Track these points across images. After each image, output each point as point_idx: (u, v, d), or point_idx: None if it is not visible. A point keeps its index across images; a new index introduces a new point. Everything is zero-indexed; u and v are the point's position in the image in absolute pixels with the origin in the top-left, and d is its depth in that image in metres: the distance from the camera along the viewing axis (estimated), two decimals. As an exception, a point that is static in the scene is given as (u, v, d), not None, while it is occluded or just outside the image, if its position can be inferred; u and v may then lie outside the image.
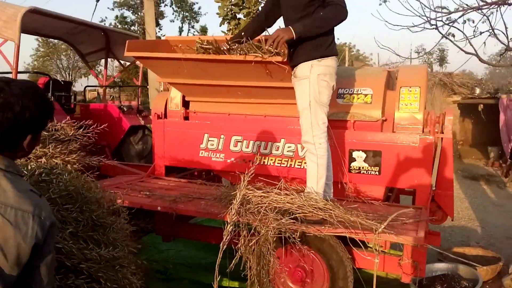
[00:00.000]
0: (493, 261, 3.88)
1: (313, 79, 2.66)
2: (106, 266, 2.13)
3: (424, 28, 4.54)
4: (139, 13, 23.46)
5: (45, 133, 2.33)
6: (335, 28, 2.72)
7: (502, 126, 9.34)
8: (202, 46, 2.91)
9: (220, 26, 7.41)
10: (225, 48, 2.87)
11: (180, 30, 27.45)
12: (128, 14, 25.09)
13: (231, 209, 2.60)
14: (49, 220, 1.28)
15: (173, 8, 26.72)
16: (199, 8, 28.41)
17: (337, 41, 2.98)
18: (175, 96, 3.86)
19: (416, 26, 4.56)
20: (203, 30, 26.43)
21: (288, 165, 3.39)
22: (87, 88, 8.86)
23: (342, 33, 45.12)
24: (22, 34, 4.81)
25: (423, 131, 3.10)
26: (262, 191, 2.70)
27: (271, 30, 2.96)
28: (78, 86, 23.09)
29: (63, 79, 15.30)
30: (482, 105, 10.05)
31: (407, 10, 4.52)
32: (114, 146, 6.20)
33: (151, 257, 3.81)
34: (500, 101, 9.48)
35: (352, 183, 3.22)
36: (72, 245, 1.99)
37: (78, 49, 7.25)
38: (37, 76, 13.10)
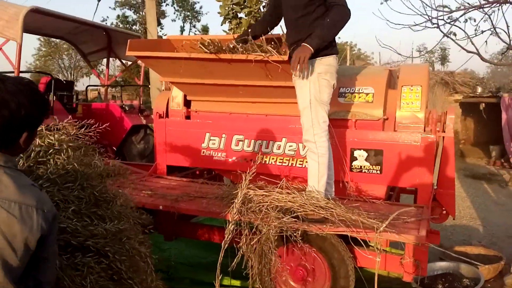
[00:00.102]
0: (495, 260, 3.88)
1: (313, 78, 2.67)
2: (113, 239, 2.12)
3: (426, 27, 4.53)
4: (141, 13, 23.48)
5: (48, 132, 2.32)
6: None
7: (504, 125, 9.33)
8: (204, 45, 2.92)
9: (221, 25, 7.40)
10: (230, 46, 2.88)
11: (182, 29, 27.49)
12: (129, 13, 25.13)
13: (233, 208, 2.60)
14: (51, 213, 1.30)
15: (174, 7, 26.76)
16: (201, 8, 28.42)
17: (338, 40, 2.99)
18: (177, 95, 3.86)
19: (417, 25, 4.55)
20: (205, 30, 26.42)
21: (290, 164, 3.39)
22: (89, 87, 8.87)
23: (343, 33, 45.02)
24: (24, 34, 4.82)
25: (424, 130, 3.10)
26: (263, 190, 2.71)
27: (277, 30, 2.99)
28: (80, 86, 23.14)
29: (65, 79, 15.30)
30: (483, 104, 10.03)
31: (408, 9, 4.52)
32: (116, 145, 6.21)
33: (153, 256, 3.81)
34: (502, 100, 9.46)
35: (354, 182, 3.22)
36: (77, 223, 1.98)
37: (80, 48, 7.26)
38: (39, 75, 13.10)
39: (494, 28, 4.39)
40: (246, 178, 2.67)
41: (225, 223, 2.63)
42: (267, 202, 2.61)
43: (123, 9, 24.97)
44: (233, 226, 2.56)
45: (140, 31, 21.03)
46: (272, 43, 2.95)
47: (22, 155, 2.08)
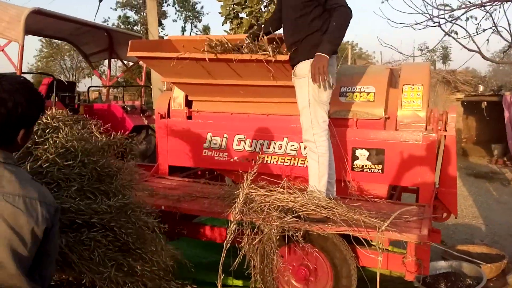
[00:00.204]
0: (497, 258, 3.87)
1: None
2: (118, 213, 2.13)
3: (427, 25, 4.52)
4: (142, 13, 23.49)
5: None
6: None
7: (507, 123, 9.29)
8: (211, 46, 2.93)
9: (222, 25, 7.40)
10: (236, 47, 2.89)
11: (183, 29, 27.49)
12: (131, 14, 25.14)
13: (235, 208, 2.61)
14: (53, 206, 1.33)
15: (175, 7, 26.76)
16: (202, 8, 28.36)
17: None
18: (178, 95, 3.87)
19: (418, 23, 4.54)
20: (206, 30, 26.44)
21: (291, 164, 3.39)
22: (90, 88, 8.89)
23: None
24: (26, 35, 4.83)
25: (426, 129, 3.09)
26: (265, 190, 2.71)
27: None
28: (81, 87, 23.16)
29: (66, 80, 15.34)
30: (485, 102, 10.01)
31: (409, 8, 4.51)
32: (117, 146, 6.21)
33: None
34: (503, 98, 9.43)
35: (355, 181, 3.22)
36: (80, 202, 1.99)
37: (81, 49, 7.28)
38: (41, 76, 13.13)
39: (496, 26, 4.38)
40: (247, 178, 2.68)
41: (227, 223, 2.63)
42: (268, 202, 2.61)
43: (124, 9, 25.02)
44: (235, 226, 2.56)
45: (141, 32, 21.06)
46: (274, 43, 2.96)
47: None
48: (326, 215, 2.56)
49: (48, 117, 2.30)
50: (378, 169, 3.16)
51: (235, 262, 2.51)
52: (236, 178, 3.58)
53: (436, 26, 4.50)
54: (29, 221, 1.22)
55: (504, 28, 4.37)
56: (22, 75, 4.99)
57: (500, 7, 4.29)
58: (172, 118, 3.90)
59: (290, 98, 3.08)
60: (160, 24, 23.39)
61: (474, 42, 4.43)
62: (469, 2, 4.32)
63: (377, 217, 2.53)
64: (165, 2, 25.52)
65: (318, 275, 2.75)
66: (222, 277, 2.50)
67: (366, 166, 3.19)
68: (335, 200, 2.73)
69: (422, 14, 4.48)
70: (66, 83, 6.71)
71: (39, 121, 2.20)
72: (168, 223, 3.35)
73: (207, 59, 2.95)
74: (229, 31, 7.11)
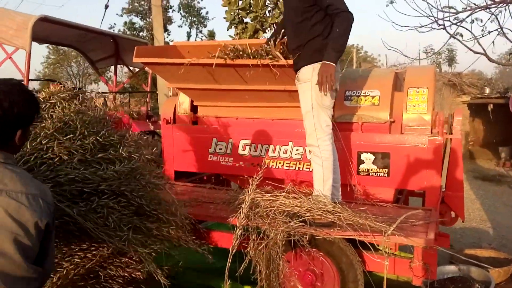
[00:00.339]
0: (506, 262, 3.84)
1: (315, 82, 2.67)
2: (127, 178, 2.15)
3: (432, 28, 4.51)
4: (148, 19, 23.63)
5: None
6: None
7: (514, 126, 9.24)
8: (225, 52, 2.95)
9: (227, 30, 7.45)
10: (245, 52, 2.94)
11: (188, 35, 27.59)
12: (136, 20, 25.28)
13: (240, 213, 2.61)
14: (52, 205, 1.37)
15: (181, 13, 26.88)
16: (207, 13, 28.34)
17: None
18: (184, 101, 3.88)
19: (423, 26, 4.54)
20: (211, 35, 26.53)
21: (297, 168, 3.39)
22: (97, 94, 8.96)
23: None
24: (33, 43, 4.88)
25: (431, 132, 3.08)
26: (270, 194, 2.72)
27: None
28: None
29: (73, 86, 15.45)
30: (491, 104, 9.95)
31: (414, 10, 4.51)
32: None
33: (160, 261, 3.82)
34: (510, 101, 9.36)
35: (361, 185, 3.21)
36: (84, 172, 2.00)
37: (88, 56, 7.33)
38: (48, 83, 13.25)
39: (501, 28, 4.36)
40: (253, 183, 2.68)
41: (233, 228, 2.63)
42: (274, 206, 2.61)
43: (130, 15, 25.19)
44: (240, 231, 2.57)
45: (147, 38, 21.17)
46: (281, 47, 2.97)
47: None
48: (331, 219, 2.55)
49: (44, 93, 2.32)
50: (384, 173, 3.15)
51: (241, 267, 2.51)
52: (242, 183, 3.58)
53: (441, 28, 4.49)
54: (33, 215, 1.26)
55: (510, 30, 4.37)
56: (29, 82, 5.05)
57: (505, 9, 4.28)
58: (177, 123, 3.92)
59: (295, 103, 3.09)
60: (166, 29, 23.52)
61: (479, 44, 4.42)
62: (474, 4, 4.31)
63: (383, 221, 2.52)
64: (171, 8, 25.68)
65: (324, 280, 2.74)
66: (228, 283, 2.50)
67: (371, 170, 3.18)
68: (340, 204, 2.72)
69: (427, 16, 4.48)
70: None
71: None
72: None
73: (213, 66, 2.97)
74: (234, 36, 7.14)
